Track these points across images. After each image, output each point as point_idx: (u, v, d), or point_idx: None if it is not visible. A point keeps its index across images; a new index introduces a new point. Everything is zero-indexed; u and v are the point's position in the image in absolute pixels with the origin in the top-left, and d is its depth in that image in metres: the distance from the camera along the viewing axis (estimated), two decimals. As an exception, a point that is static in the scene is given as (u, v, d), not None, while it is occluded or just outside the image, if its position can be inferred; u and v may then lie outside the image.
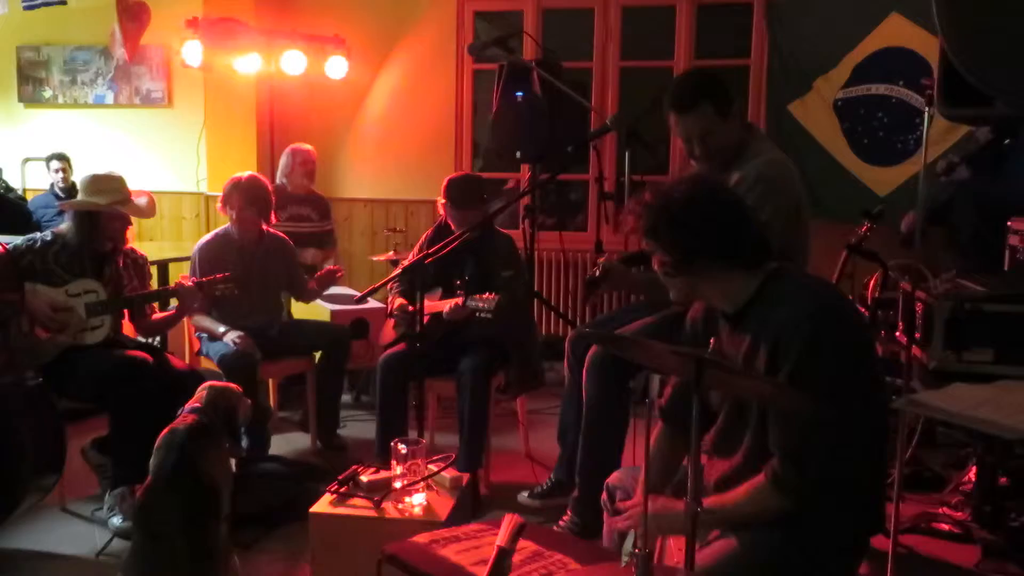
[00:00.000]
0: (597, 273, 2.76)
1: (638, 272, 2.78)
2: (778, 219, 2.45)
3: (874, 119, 4.57)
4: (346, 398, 4.49)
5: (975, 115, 1.59)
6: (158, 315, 3.47)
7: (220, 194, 3.75)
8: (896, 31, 4.42)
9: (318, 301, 4.23)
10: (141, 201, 3.30)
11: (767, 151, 2.64)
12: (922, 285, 2.77)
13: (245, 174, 3.80)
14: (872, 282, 3.30)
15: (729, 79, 2.72)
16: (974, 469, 3.13)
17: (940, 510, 3.11)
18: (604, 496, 2.12)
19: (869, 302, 3.22)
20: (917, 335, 2.68)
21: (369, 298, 4.43)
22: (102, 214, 3.15)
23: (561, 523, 2.91)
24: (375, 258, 4.82)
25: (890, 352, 3.17)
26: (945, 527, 3.02)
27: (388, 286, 3.59)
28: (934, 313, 2.52)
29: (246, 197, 3.67)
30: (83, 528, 3.04)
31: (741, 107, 2.70)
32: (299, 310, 4.28)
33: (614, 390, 2.83)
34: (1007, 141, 3.61)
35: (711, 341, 1.71)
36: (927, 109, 2.46)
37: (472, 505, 2.67)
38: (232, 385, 2.68)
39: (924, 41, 4.27)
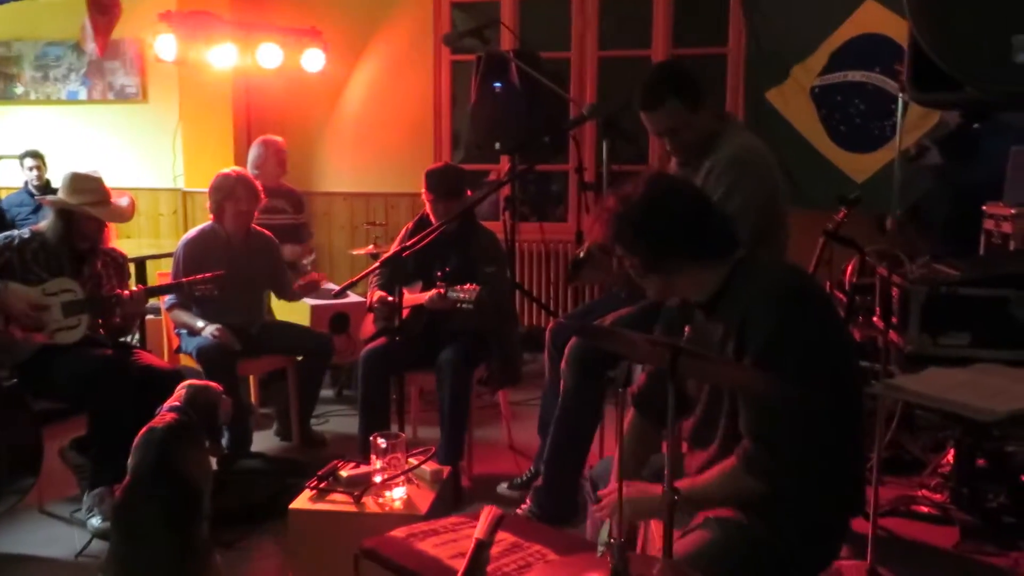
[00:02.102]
0: (581, 255, 2.76)
1: (615, 263, 2.78)
2: (751, 205, 2.45)
3: (851, 106, 4.59)
4: (328, 393, 4.48)
5: (945, 99, 1.60)
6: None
7: (198, 190, 3.71)
8: (871, 17, 4.43)
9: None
10: (122, 202, 3.26)
11: (740, 138, 2.64)
12: (898, 270, 2.79)
13: (235, 169, 3.78)
14: (849, 268, 3.32)
15: (707, 68, 2.72)
16: (952, 452, 3.16)
17: (919, 493, 3.14)
18: (588, 487, 2.13)
19: (847, 288, 3.24)
20: (894, 320, 2.70)
21: (349, 292, 4.41)
22: (77, 214, 3.12)
23: (519, 510, 2.93)
24: (355, 252, 4.79)
25: (868, 337, 3.19)
26: (924, 509, 3.05)
27: (368, 279, 3.57)
28: (910, 297, 2.54)
29: (248, 191, 3.65)
30: (62, 530, 3.00)
31: (714, 97, 2.69)
32: (280, 310, 4.24)
33: (591, 383, 2.83)
34: (976, 125, 3.63)
35: (686, 329, 1.72)
36: (901, 95, 2.47)
37: (454, 497, 2.67)
38: (212, 383, 2.67)
39: (899, 27, 4.27)
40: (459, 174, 3.52)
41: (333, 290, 3.29)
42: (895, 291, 2.70)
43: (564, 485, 2.90)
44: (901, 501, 3.10)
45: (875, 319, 3.05)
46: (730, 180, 2.49)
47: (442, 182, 3.41)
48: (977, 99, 1.51)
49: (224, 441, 3.53)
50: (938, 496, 3.09)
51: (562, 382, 2.90)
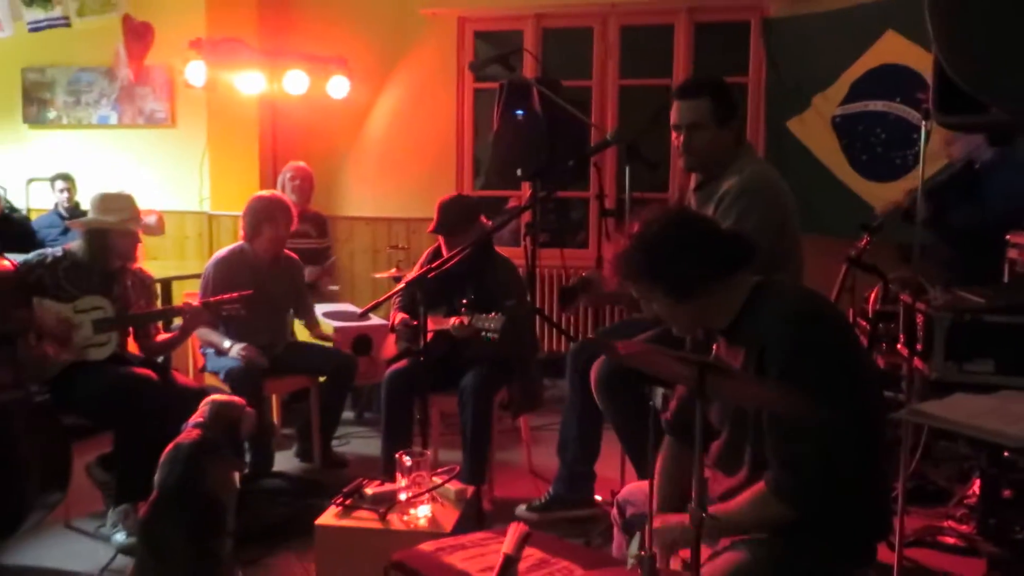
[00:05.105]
0: (571, 282, 2.77)
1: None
2: (765, 230, 2.48)
3: (872, 135, 4.60)
4: (349, 415, 4.50)
5: (970, 122, 1.61)
6: (162, 336, 3.47)
7: (223, 213, 3.77)
8: (892, 48, 4.46)
9: (321, 318, 4.24)
10: (150, 219, 3.34)
11: (753, 166, 2.70)
12: (922, 297, 2.79)
13: (274, 193, 3.84)
14: (873, 295, 3.31)
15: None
16: (978, 482, 3.13)
17: (945, 523, 3.10)
18: (614, 511, 2.12)
19: (870, 315, 3.24)
20: (918, 347, 2.69)
21: (371, 314, 4.44)
22: (112, 232, 3.17)
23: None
24: (378, 275, 4.83)
25: (892, 365, 3.18)
26: (950, 540, 3.01)
27: (391, 301, 3.60)
28: (934, 325, 2.53)
29: (286, 216, 3.71)
30: (87, 545, 3.03)
31: (740, 127, 2.75)
32: (303, 332, 4.27)
33: (631, 400, 2.79)
34: (976, 166, 3.62)
35: (714, 347, 1.73)
36: (924, 124, 2.49)
37: (476, 519, 2.67)
38: (235, 398, 2.69)
39: (919, 57, 4.30)
40: (465, 206, 3.47)
41: (357, 312, 3.32)
42: (919, 318, 2.69)
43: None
44: (927, 532, 3.06)
45: (899, 346, 3.04)
46: (742, 206, 2.54)
47: (446, 219, 3.39)
48: (1003, 120, 1.52)
49: (247, 459, 3.55)
50: (964, 527, 3.05)
51: (604, 413, 2.94)
